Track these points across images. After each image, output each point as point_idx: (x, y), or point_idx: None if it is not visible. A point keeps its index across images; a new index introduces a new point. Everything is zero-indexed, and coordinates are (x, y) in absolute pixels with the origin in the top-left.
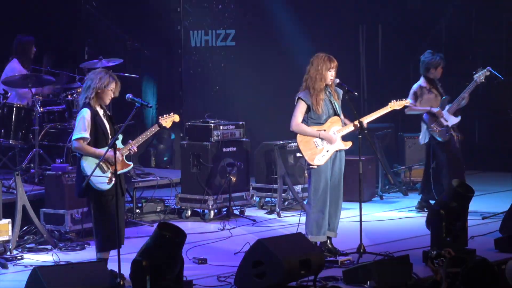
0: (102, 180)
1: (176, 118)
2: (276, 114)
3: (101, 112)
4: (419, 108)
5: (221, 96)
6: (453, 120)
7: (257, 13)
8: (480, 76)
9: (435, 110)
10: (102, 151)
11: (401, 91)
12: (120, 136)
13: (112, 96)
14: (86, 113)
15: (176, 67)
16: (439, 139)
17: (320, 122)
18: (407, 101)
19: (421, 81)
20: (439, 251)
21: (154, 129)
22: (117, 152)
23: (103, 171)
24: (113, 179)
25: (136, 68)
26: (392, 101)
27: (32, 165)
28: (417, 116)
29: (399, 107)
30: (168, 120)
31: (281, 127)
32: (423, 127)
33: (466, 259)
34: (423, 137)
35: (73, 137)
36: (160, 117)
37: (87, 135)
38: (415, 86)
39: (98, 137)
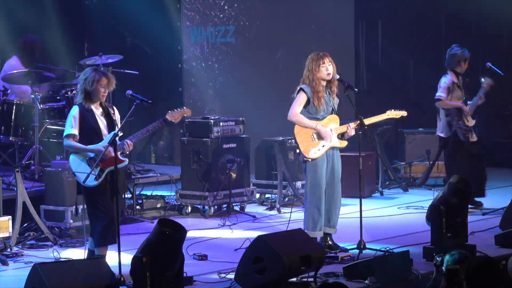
0: (89, 177)
1: (187, 112)
2: (276, 110)
3: (98, 110)
4: (451, 103)
5: (221, 92)
6: (472, 122)
7: (256, 9)
8: (485, 82)
9: (466, 109)
10: (92, 147)
11: (401, 87)
12: (120, 133)
13: (104, 92)
14: (73, 111)
15: (176, 63)
16: (461, 137)
17: (317, 118)
18: (404, 113)
19: (451, 76)
20: (444, 257)
21: (159, 124)
22: (110, 148)
23: (91, 167)
24: (102, 175)
25: (135, 65)
26: (391, 110)
27: (32, 161)
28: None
29: (396, 117)
30: (176, 115)
31: (281, 123)
32: (444, 120)
33: (468, 256)
34: (444, 130)
35: (63, 135)
36: (169, 111)
37: (75, 131)
38: (447, 81)
39: (87, 134)
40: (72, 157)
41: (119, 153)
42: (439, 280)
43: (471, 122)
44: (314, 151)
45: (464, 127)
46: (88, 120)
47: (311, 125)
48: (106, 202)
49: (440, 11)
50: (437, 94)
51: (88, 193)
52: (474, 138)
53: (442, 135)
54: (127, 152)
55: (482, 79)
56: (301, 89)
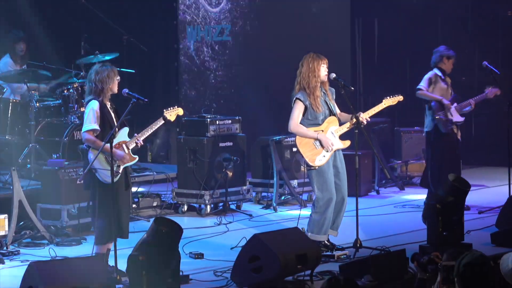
0: (109, 174)
1: (180, 111)
2: (272, 109)
3: (108, 104)
4: (431, 94)
5: (217, 91)
6: (457, 118)
7: (253, 8)
8: (489, 93)
9: (446, 102)
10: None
11: (397, 85)
12: (127, 129)
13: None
14: (95, 105)
15: (172, 61)
16: (442, 129)
17: (318, 123)
18: (400, 97)
19: (436, 70)
20: (429, 256)
21: (159, 122)
22: (123, 145)
23: (110, 165)
24: (119, 172)
25: (132, 63)
26: (386, 97)
27: (28, 160)
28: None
29: (394, 103)
30: (172, 113)
31: (278, 122)
32: (429, 115)
33: (462, 253)
34: (429, 125)
35: (83, 129)
36: (164, 110)
37: (97, 126)
38: (430, 73)
39: (106, 129)
40: (90, 154)
41: (130, 149)
42: (423, 280)
43: (455, 117)
44: (319, 158)
45: (445, 119)
46: (106, 115)
47: (312, 136)
48: (114, 199)
49: (436, 8)
50: (419, 85)
51: (102, 189)
52: (458, 134)
53: (427, 129)
54: (139, 146)
55: (488, 87)
56: (297, 98)
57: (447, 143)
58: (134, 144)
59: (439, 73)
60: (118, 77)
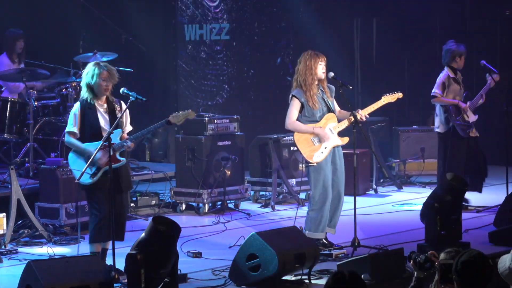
0: (84, 175)
1: (191, 114)
2: (270, 107)
3: (102, 107)
4: (447, 100)
5: (215, 90)
6: (472, 118)
7: (251, 7)
8: (491, 81)
9: (463, 105)
10: (90, 149)
11: (396, 84)
12: (119, 132)
13: (106, 85)
14: (75, 108)
15: (171, 61)
16: (461, 133)
17: (315, 120)
18: (400, 94)
19: (447, 71)
20: (426, 255)
21: (160, 125)
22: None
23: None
24: (98, 174)
25: (130, 62)
26: (385, 94)
27: (26, 159)
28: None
29: (393, 100)
30: (180, 117)
31: (276, 121)
32: (441, 116)
33: (461, 251)
34: (441, 127)
35: (65, 131)
36: (174, 113)
37: (75, 129)
38: (442, 76)
39: (87, 131)
40: (71, 154)
41: (118, 152)
42: (421, 278)
43: (471, 118)
44: (317, 155)
45: (463, 123)
46: (88, 117)
47: (308, 130)
48: (101, 200)
49: (434, 8)
50: (433, 90)
51: (85, 190)
52: (474, 133)
53: (439, 130)
54: (127, 149)
55: (488, 75)
56: (293, 95)
57: (464, 146)
58: (121, 147)
59: (451, 74)
60: (106, 84)
